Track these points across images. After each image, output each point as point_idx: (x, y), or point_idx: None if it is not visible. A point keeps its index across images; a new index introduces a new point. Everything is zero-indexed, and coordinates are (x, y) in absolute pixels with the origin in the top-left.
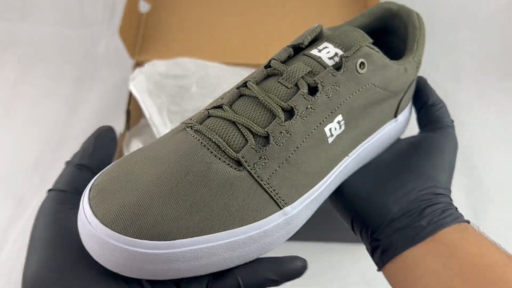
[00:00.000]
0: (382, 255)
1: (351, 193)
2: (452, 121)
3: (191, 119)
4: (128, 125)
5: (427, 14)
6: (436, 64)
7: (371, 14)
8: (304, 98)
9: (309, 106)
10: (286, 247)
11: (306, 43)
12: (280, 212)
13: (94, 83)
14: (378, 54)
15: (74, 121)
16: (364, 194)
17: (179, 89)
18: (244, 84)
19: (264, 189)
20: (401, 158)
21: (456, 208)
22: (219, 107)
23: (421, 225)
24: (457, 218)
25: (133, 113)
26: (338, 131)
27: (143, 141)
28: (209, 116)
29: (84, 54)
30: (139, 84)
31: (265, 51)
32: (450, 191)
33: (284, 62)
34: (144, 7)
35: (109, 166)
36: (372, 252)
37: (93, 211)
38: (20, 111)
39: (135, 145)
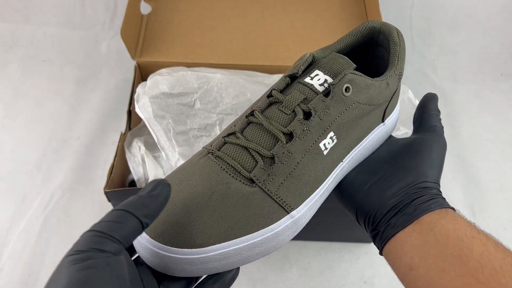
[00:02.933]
0: (380, 240)
1: (354, 190)
2: (442, 127)
3: (211, 146)
4: (129, 125)
5: (426, 15)
6: (434, 65)
7: (358, 33)
8: (301, 122)
9: (305, 128)
10: (289, 247)
11: (300, 72)
12: (287, 216)
13: (96, 83)
14: (360, 78)
15: (76, 121)
16: (365, 191)
17: (183, 107)
18: (251, 113)
19: (273, 199)
20: (395, 158)
21: (444, 198)
22: (233, 133)
23: (409, 212)
24: (441, 204)
25: (134, 113)
26: (332, 144)
27: (144, 141)
28: (225, 143)
29: (86, 55)
30: (144, 107)
31: (265, 52)
32: (438, 184)
33: (282, 90)
34: (145, 8)
35: None
36: (374, 239)
37: None
38: (23, 112)
39: (136, 145)
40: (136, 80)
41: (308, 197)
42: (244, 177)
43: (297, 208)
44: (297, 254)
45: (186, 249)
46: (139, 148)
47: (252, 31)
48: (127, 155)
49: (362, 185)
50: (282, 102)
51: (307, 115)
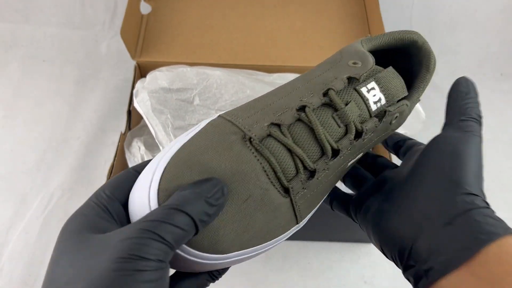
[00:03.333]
0: (418, 283)
1: (372, 222)
2: (480, 117)
3: (249, 130)
4: (129, 125)
5: (426, 15)
6: None
7: (398, 40)
8: (350, 142)
9: (350, 148)
10: (289, 247)
11: (362, 80)
12: (296, 226)
13: (95, 83)
14: (407, 109)
15: (76, 121)
16: (383, 222)
17: (182, 102)
18: (302, 108)
19: (294, 211)
20: (411, 173)
21: (493, 211)
22: (278, 126)
23: (452, 248)
24: (492, 234)
25: (134, 113)
26: (353, 161)
27: (144, 141)
28: (269, 135)
29: (86, 55)
30: (143, 101)
31: (265, 52)
32: (482, 192)
33: (339, 92)
34: (145, 8)
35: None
36: (408, 280)
37: None
38: (23, 111)
39: (136, 145)
40: (136, 80)
41: (316, 207)
42: (282, 185)
43: (305, 218)
44: (297, 254)
45: (207, 254)
46: (139, 148)
47: (252, 31)
48: (127, 155)
49: (380, 214)
50: (337, 110)
51: (357, 135)
